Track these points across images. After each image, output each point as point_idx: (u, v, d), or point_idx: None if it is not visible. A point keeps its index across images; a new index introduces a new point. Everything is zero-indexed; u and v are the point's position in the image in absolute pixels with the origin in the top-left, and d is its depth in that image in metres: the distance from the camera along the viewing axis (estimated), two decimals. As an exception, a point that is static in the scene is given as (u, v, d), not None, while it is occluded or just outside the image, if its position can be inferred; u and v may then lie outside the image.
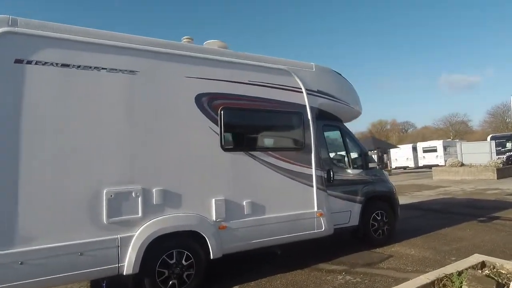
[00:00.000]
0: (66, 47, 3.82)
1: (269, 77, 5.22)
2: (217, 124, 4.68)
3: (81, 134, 3.82)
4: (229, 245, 4.62)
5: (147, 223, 4.07)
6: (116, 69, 4.07)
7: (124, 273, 3.92)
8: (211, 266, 4.66)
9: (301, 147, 5.43)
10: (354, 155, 6.36)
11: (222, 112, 4.73)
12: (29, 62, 3.61)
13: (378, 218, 6.30)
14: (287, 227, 5.12)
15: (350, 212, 5.94)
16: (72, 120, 3.79)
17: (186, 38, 4.90)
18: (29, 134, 3.55)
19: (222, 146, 4.69)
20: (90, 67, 3.92)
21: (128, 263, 3.90)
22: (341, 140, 6.28)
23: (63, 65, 3.78)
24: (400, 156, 35.03)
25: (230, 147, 4.78)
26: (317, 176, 5.48)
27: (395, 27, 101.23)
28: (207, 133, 4.59)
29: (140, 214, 4.03)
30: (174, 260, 4.24)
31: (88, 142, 3.85)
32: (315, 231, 5.40)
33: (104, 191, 3.85)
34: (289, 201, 5.20)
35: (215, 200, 4.53)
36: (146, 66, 4.26)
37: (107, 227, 3.84)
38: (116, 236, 3.88)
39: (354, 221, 5.96)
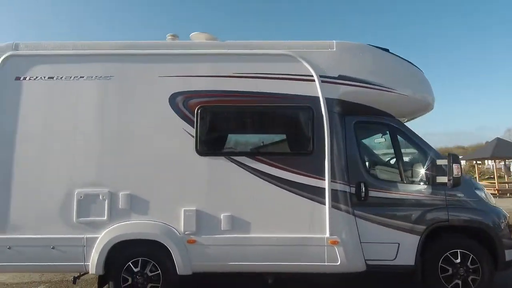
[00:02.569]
0: (51, 61, 4.29)
1: (265, 66, 4.26)
2: (192, 126, 4.18)
3: (59, 138, 4.20)
4: (199, 263, 4.06)
5: (111, 227, 4.07)
6: (92, 76, 4.26)
7: (90, 272, 4.07)
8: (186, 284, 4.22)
9: (307, 152, 4.17)
10: (411, 164, 4.39)
11: (198, 112, 4.20)
12: (24, 79, 4.26)
13: (456, 262, 4.12)
14: (283, 253, 4.04)
15: (398, 246, 4.13)
16: (52, 126, 4.22)
17: (170, 35, 4.60)
18: (19, 140, 4.19)
19: (197, 150, 4.16)
20: (70, 77, 4.26)
21: (92, 264, 4.01)
22: (390, 142, 4.45)
23: (49, 78, 4.27)
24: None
25: (207, 151, 4.18)
26: (334, 190, 4.08)
27: None
28: (181, 135, 4.17)
29: (105, 217, 4.08)
30: (138, 269, 4.08)
31: (65, 145, 4.19)
32: (325, 263, 4.03)
33: (75, 192, 4.10)
34: (285, 220, 4.09)
35: (184, 210, 4.07)
36: (120, 70, 4.27)
37: (76, 226, 4.07)
38: (83, 236, 4.06)
39: (406, 259, 4.11)
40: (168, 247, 4.01)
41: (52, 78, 4.26)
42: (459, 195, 4.21)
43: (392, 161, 4.47)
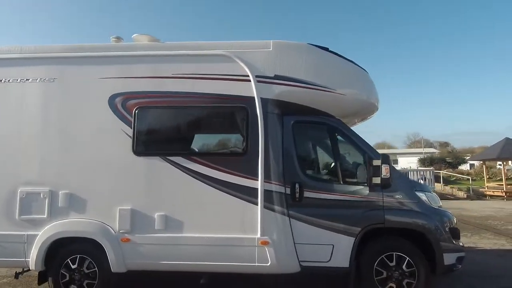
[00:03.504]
0: (2, 65, 4.45)
1: (202, 66, 4.29)
2: (130, 126, 4.26)
3: (5, 138, 4.36)
4: (133, 261, 4.13)
5: (50, 225, 4.19)
6: (37, 79, 4.41)
7: (30, 268, 4.21)
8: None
9: (241, 153, 4.18)
10: (350, 164, 4.32)
11: (136, 112, 4.27)
12: None
13: (391, 265, 4.03)
14: (214, 252, 4.06)
15: (333, 247, 4.08)
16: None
17: (114, 38, 4.69)
18: None
19: (134, 150, 4.23)
20: (17, 79, 4.42)
21: (32, 260, 4.14)
22: (328, 142, 4.39)
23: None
24: None
25: (143, 151, 4.25)
26: (267, 191, 4.07)
27: None
28: (119, 136, 4.26)
29: (45, 215, 4.21)
30: (76, 265, 4.19)
31: (10, 145, 4.34)
32: (256, 264, 4.03)
33: (19, 190, 4.25)
34: (218, 220, 4.11)
35: (119, 209, 4.15)
36: (62, 72, 4.39)
37: (18, 224, 4.22)
38: (24, 233, 4.20)
39: (341, 260, 4.05)
40: (103, 245, 4.10)
41: (1, 81, 4.43)
42: (397, 196, 4.12)
43: (331, 162, 4.41)
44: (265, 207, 4.04)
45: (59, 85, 4.37)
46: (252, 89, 4.16)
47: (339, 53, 4.47)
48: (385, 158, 3.92)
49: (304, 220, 4.10)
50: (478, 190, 19.99)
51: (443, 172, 24.01)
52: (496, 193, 18.56)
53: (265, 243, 3.99)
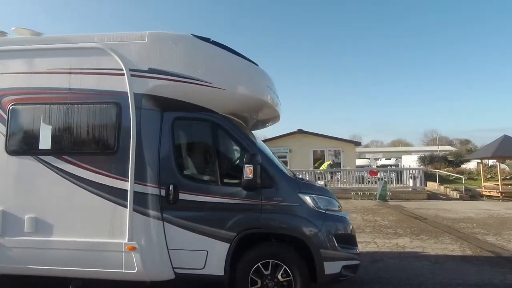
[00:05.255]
0: None
1: (77, 60, 4.07)
2: (5, 125, 4.10)
3: None
4: (3, 265, 3.97)
5: None
6: None
7: None
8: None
9: (111, 152, 3.94)
10: (230, 164, 4.03)
11: (10, 109, 4.10)
12: None
13: (266, 273, 3.73)
14: (83, 258, 3.85)
15: (207, 253, 3.80)
16: None
17: None
18: None
19: (6, 149, 4.06)
20: None
21: None
22: (211, 141, 4.10)
23: None
24: None
25: (15, 150, 4.08)
26: (139, 193, 3.83)
27: None
28: (-6, 134, 4.10)
29: None
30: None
31: None
32: (123, 271, 3.79)
33: None
34: (88, 224, 3.90)
35: (-10, 210, 4.00)
36: None
37: None
38: None
39: (216, 268, 3.77)
40: (-28, 247, 3.96)
41: None
42: (276, 198, 3.80)
43: (212, 162, 4.11)
44: (135, 210, 3.80)
45: None
46: (125, 84, 3.92)
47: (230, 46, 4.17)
48: (250, 158, 3.60)
49: (179, 224, 3.85)
50: (475, 190, 19.13)
51: (440, 172, 23.14)
52: (492, 194, 17.68)
53: (132, 248, 3.75)
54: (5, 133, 4.08)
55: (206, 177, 4.13)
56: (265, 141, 26.57)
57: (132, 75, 3.94)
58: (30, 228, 3.93)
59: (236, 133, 4.01)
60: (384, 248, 6.98)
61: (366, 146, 72.67)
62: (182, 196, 3.87)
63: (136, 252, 3.75)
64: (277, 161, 4.96)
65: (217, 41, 4.10)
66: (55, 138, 4.08)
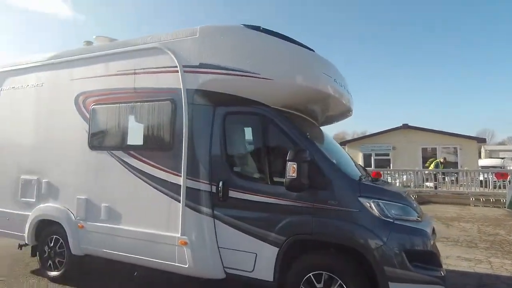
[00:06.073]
0: (11, 75, 5.45)
1: (140, 61, 4.31)
2: (88, 123, 4.64)
3: (14, 136, 5.33)
4: (86, 246, 4.51)
5: (36, 207, 4.94)
6: (29, 85, 5.24)
7: (26, 242, 5.06)
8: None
9: (168, 147, 4.02)
10: (281, 161, 3.62)
11: (91, 110, 4.62)
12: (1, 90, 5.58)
13: (319, 286, 3.25)
14: (143, 247, 4.06)
15: (256, 256, 3.55)
16: (10, 127, 5.38)
17: (85, 42, 5.11)
18: None
19: (89, 145, 4.59)
20: (21, 86, 5.34)
21: (26, 235, 4.98)
22: (261, 136, 3.78)
23: (12, 88, 5.46)
24: None
25: (95, 145, 4.56)
26: (191, 189, 3.84)
27: None
28: (81, 131, 4.67)
29: (34, 199, 4.98)
30: (52, 244, 4.83)
31: (16, 141, 5.29)
32: (176, 264, 3.85)
33: (20, 177, 5.15)
34: (148, 215, 4.09)
35: (77, 198, 4.57)
36: (47, 78, 5.09)
37: (20, 204, 5.12)
38: (23, 212, 5.07)
39: (265, 273, 3.50)
40: (65, 229, 4.61)
41: (12, 88, 5.44)
42: (331, 202, 3.27)
43: (262, 158, 3.79)
44: (187, 205, 3.81)
45: (45, 89, 5.08)
46: (179, 80, 3.96)
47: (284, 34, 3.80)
48: (294, 155, 3.16)
49: (229, 223, 3.69)
50: None
51: None
52: None
53: (184, 243, 3.77)
54: (88, 130, 4.61)
55: (255, 175, 3.86)
56: (363, 138, 24.78)
57: (185, 71, 3.95)
58: (105, 216, 4.35)
59: (288, 128, 3.61)
60: (500, 270, 5.50)
61: (501, 143, 60.57)
62: (232, 193, 3.69)
63: (188, 247, 3.75)
64: (346, 158, 4.37)
65: (270, 29, 3.77)
66: (123, 134, 4.42)
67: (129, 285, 4.71)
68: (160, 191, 4.00)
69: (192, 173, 3.84)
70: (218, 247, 3.74)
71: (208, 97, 3.91)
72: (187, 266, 3.77)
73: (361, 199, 3.23)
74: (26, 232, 4.95)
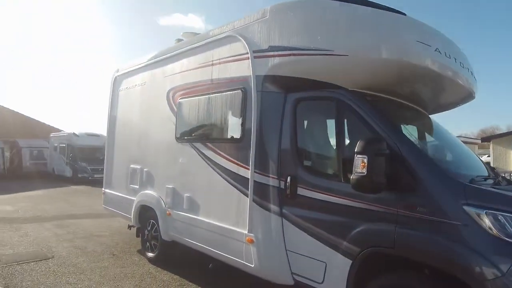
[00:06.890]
0: (129, 75, 6.21)
1: (216, 52, 4.26)
2: (175, 116, 4.87)
3: (126, 130, 6.08)
4: (173, 233, 4.75)
5: (139, 194, 5.50)
6: (136, 84, 5.87)
7: (130, 223, 5.72)
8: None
9: (238, 138, 3.81)
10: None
11: (178, 103, 4.82)
12: (120, 90, 6.46)
13: (400, 317, 2.51)
14: (216, 240, 4.01)
15: (326, 266, 3.03)
16: (124, 122, 6.17)
17: (176, 40, 5.32)
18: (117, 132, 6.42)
19: (176, 137, 4.81)
20: (134, 85, 6.04)
21: (132, 217, 5.62)
22: (335, 124, 3.14)
23: (127, 88, 6.25)
24: None
25: (180, 137, 4.73)
26: (258, 183, 3.57)
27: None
28: (170, 125, 4.93)
29: (138, 186, 5.57)
30: (149, 228, 5.30)
31: (127, 135, 6.03)
32: (243, 262, 3.62)
33: (130, 166, 5.85)
34: (219, 208, 4.02)
35: (167, 187, 4.86)
36: (149, 77, 5.59)
37: (129, 190, 5.82)
38: (131, 197, 5.73)
39: (336, 286, 2.95)
40: (157, 215, 4.97)
41: (127, 88, 6.22)
42: (421, 209, 2.47)
43: (336, 151, 3.14)
44: (254, 201, 3.54)
45: (147, 87, 5.61)
46: (249, 67, 3.71)
47: None
48: (364, 145, 2.45)
49: (298, 224, 3.27)
50: None
51: None
52: None
53: (250, 241, 3.52)
54: (175, 123, 4.84)
55: (328, 170, 3.29)
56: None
57: (255, 57, 3.67)
58: (186, 206, 4.49)
59: (368, 113, 2.91)
60: None
61: None
62: (301, 191, 3.24)
63: (254, 246, 3.49)
64: (465, 155, 3.41)
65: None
66: (201, 126, 4.46)
67: (199, 277, 4.64)
68: (231, 184, 3.86)
69: (261, 166, 3.54)
70: (286, 250, 3.34)
71: (278, 83, 3.53)
72: (253, 265, 3.51)
73: (467, 208, 2.32)
74: (132, 214, 5.58)
